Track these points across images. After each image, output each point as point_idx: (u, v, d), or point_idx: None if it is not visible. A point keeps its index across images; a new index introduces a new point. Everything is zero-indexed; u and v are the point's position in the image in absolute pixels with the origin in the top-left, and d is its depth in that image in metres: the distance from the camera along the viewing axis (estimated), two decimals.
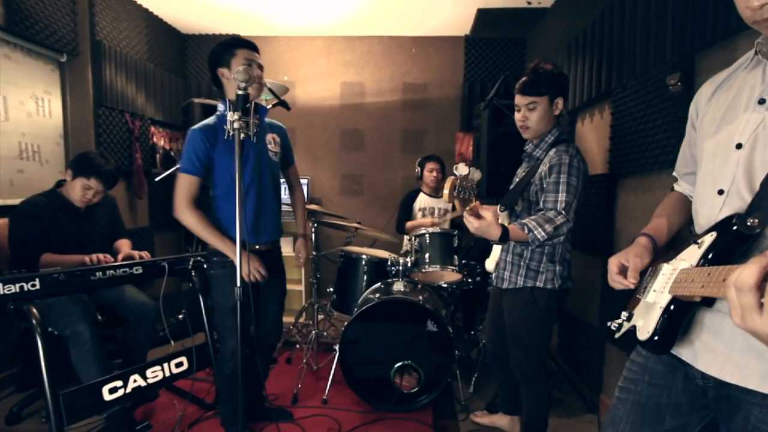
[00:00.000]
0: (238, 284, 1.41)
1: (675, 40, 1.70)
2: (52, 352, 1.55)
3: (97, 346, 1.86)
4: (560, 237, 1.51)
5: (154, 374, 1.84)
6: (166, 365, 1.89)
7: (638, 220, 1.99)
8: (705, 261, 0.76)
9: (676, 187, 1.06)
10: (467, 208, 1.29)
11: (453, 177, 1.23)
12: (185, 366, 1.96)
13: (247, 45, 1.68)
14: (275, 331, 1.97)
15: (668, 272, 0.85)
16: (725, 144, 0.79)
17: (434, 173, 3.08)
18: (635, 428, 0.90)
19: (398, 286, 2.33)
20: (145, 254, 2.08)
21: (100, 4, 2.83)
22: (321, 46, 3.88)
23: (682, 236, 0.99)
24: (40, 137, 2.61)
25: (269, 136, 1.79)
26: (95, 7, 2.78)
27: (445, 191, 1.23)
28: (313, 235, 2.87)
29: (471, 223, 1.33)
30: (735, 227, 0.72)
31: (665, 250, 0.95)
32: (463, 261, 2.51)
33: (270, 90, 2.64)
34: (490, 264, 1.83)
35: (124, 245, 2.19)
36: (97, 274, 1.77)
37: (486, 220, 1.33)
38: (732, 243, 0.73)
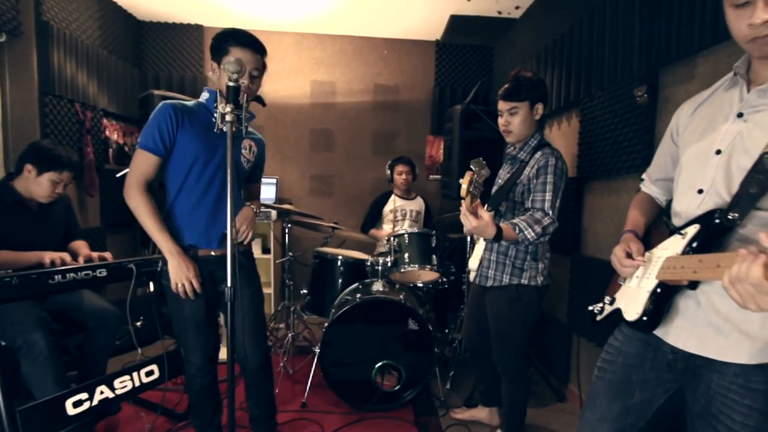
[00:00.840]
0: (229, 284, 1.32)
1: (641, 56, 1.85)
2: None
3: (53, 357, 1.69)
4: (547, 236, 1.60)
5: (123, 384, 1.70)
6: (135, 374, 1.75)
7: (604, 221, 2.15)
8: (690, 249, 0.88)
9: (644, 188, 1.19)
10: (471, 205, 1.33)
11: (470, 172, 1.27)
12: (156, 374, 1.82)
13: (245, 44, 1.47)
14: (249, 351, 1.64)
15: (654, 260, 0.96)
16: (706, 150, 0.91)
17: (403, 176, 3.10)
18: (610, 401, 1.04)
19: (377, 286, 2.33)
20: (108, 255, 1.92)
21: None
22: (291, 43, 3.78)
23: (653, 230, 1.13)
24: None
25: (246, 141, 1.64)
26: None
27: (464, 186, 1.27)
28: (286, 236, 2.79)
29: (470, 221, 1.38)
30: (718, 220, 0.84)
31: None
32: (447, 262, 2.56)
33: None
34: (473, 263, 1.88)
35: (82, 246, 2.01)
36: (56, 277, 1.59)
37: (484, 220, 1.40)
38: (714, 233, 0.85)
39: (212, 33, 3.79)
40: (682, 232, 0.91)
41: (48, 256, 1.77)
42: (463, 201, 1.37)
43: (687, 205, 0.93)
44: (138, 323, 2.81)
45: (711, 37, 1.47)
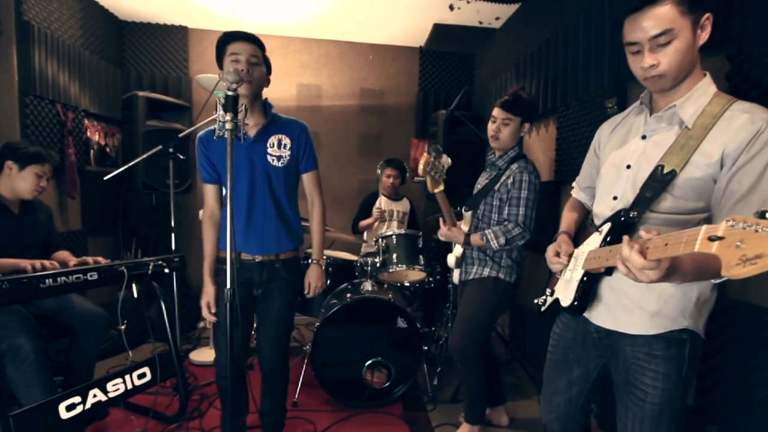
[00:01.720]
0: (228, 286, 1.34)
1: (611, 70, 1.99)
2: None
3: (39, 361, 1.68)
4: (516, 244, 1.80)
5: (116, 387, 1.71)
6: (127, 377, 1.76)
7: None
8: (605, 243, 1.05)
9: (574, 194, 1.37)
10: (432, 187, 1.56)
11: (427, 154, 1.46)
12: (148, 377, 1.84)
13: (238, 37, 1.52)
14: (265, 355, 1.72)
15: (579, 254, 1.13)
16: (619, 165, 1.10)
17: (391, 179, 3.16)
18: (557, 378, 1.26)
19: (366, 285, 2.39)
20: (101, 259, 1.91)
21: None
22: (277, 46, 3.80)
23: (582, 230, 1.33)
24: None
25: (273, 138, 1.60)
26: None
27: (420, 165, 1.46)
28: None
29: (443, 231, 1.77)
30: (622, 218, 1.03)
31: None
32: (432, 261, 2.65)
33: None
34: (451, 259, 2.00)
35: (68, 255, 1.99)
36: (47, 281, 1.58)
37: (452, 232, 1.80)
38: (621, 229, 1.03)
39: (197, 34, 3.84)
40: (600, 229, 1.09)
41: (29, 264, 1.69)
42: (441, 219, 1.64)
43: (604, 208, 1.12)
44: (122, 326, 2.79)
45: None
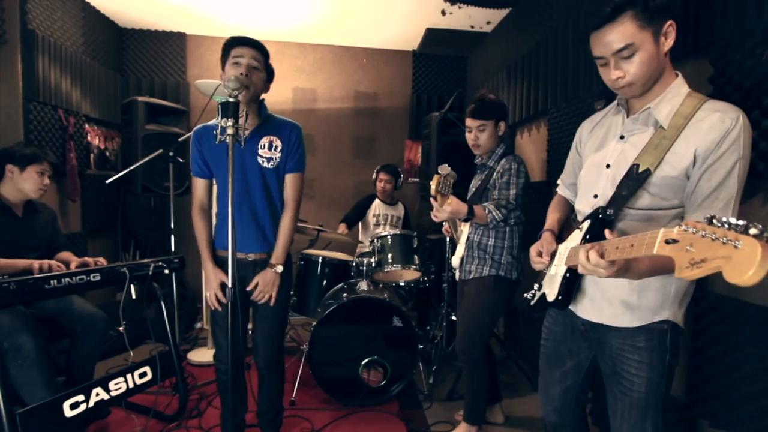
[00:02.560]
0: (229, 285, 1.39)
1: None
2: None
3: (41, 360, 1.72)
4: (510, 221, 1.81)
5: (118, 386, 1.75)
6: (129, 376, 1.80)
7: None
8: (584, 240, 1.09)
9: (559, 191, 1.40)
10: (446, 203, 1.56)
11: (438, 175, 1.50)
12: (149, 376, 1.88)
13: (240, 42, 1.54)
14: (260, 352, 1.74)
15: (563, 251, 1.18)
16: (599, 164, 1.14)
17: (383, 183, 3.20)
18: (551, 370, 1.29)
19: (363, 285, 2.43)
20: (102, 260, 1.96)
21: None
22: (273, 51, 3.74)
23: (567, 226, 1.37)
24: None
25: (264, 140, 1.62)
26: None
27: (433, 186, 1.50)
28: None
29: (444, 211, 1.62)
30: (600, 216, 1.06)
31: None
32: (427, 261, 2.69)
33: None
34: (455, 261, 2.03)
35: (71, 256, 2.04)
36: (52, 282, 1.62)
37: (453, 205, 1.65)
38: (599, 226, 1.05)
39: (194, 40, 3.90)
40: (580, 226, 1.13)
41: (38, 264, 1.79)
42: (434, 201, 1.60)
43: (585, 206, 1.16)
44: (120, 327, 2.83)
45: None
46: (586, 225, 1.11)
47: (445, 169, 1.52)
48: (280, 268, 1.64)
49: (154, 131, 3.10)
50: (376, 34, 3.73)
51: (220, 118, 1.32)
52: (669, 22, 0.97)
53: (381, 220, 3.25)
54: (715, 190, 0.94)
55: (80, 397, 1.61)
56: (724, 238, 0.62)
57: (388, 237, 2.54)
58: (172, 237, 2.76)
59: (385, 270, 2.49)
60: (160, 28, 3.68)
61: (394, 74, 4.06)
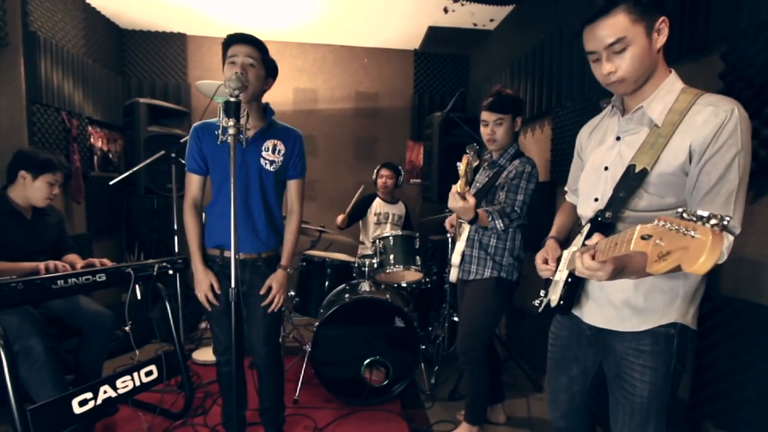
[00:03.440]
0: (232, 286, 1.41)
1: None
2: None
3: (51, 361, 1.74)
4: (510, 229, 1.82)
5: (125, 384, 1.78)
6: (135, 374, 1.83)
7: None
8: (584, 244, 1.06)
9: (567, 198, 1.40)
10: (462, 187, 1.57)
11: (467, 155, 1.50)
12: (155, 375, 1.90)
13: (237, 40, 1.54)
14: (258, 350, 1.76)
15: (566, 256, 1.17)
16: (598, 167, 1.14)
17: (384, 179, 3.20)
18: (558, 376, 1.29)
19: (365, 286, 2.44)
20: (106, 261, 1.98)
21: None
22: (273, 51, 3.75)
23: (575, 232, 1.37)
24: None
25: (269, 143, 1.64)
26: None
27: (461, 167, 1.50)
28: None
29: (457, 201, 1.60)
30: (599, 219, 1.06)
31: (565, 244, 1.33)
32: (429, 262, 2.69)
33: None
34: (455, 257, 2.03)
35: (76, 258, 2.06)
36: (59, 282, 1.65)
37: (469, 204, 1.61)
38: (599, 229, 1.06)
39: (195, 41, 3.92)
40: (581, 231, 1.14)
41: (43, 265, 1.81)
42: (456, 183, 1.59)
43: (586, 210, 1.16)
44: (126, 327, 2.86)
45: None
46: (586, 229, 1.11)
47: (474, 149, 1.49)
48: (290, 270, 1.70)
49: (156, 133, 3.12)
50: (378, 34, 3.73)
51: (221, 118, 1.33)
52: (662, 18, 0.97)
53: (382, 218, 3.25)
54: (715, 185, 0.93)
55: (89, 395, 1.64)
56: (685, 230, 0.63)
57: (390, 238, 2.55)
58: (176, 238, 2.79)
59: (387, 271, 2.50)
60: (160, 29, 3.69)
61: (395, 74, 4.06)
